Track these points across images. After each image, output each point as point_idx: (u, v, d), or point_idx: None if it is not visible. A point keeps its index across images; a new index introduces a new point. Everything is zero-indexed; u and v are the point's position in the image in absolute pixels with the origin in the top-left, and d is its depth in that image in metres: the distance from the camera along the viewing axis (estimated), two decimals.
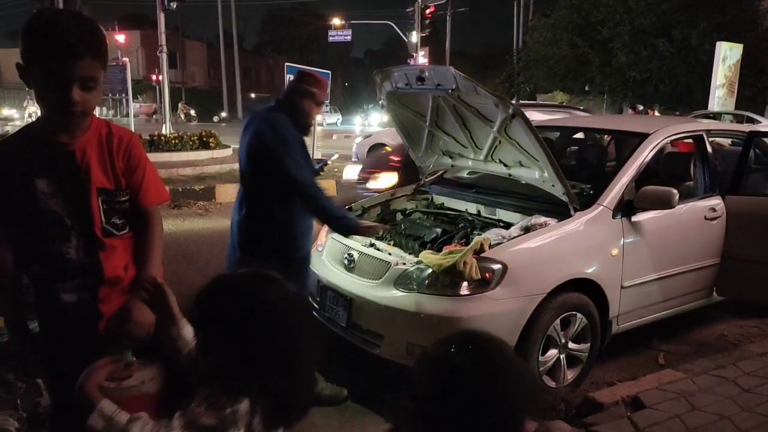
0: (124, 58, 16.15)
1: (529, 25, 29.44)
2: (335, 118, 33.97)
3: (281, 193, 2.83)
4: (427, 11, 21.18)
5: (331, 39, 29.32)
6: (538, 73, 26.46)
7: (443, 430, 0.90)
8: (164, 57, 13.03)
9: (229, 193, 8.64)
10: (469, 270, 2.80)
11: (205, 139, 12.17)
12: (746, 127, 4.97)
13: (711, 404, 2.75)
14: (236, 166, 10.88)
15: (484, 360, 0.93)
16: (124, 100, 15.36)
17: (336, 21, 27.42)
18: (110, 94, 14.88)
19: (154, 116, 31.91)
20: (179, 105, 37.78)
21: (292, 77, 10.82)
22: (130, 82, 13.55)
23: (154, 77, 30.73)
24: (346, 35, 28.55)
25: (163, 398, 1.44)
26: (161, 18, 12.80)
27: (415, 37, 21.26)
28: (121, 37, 28.35)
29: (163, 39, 12.92)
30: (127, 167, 1.76)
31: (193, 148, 11.78)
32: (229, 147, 13.08)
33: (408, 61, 21.25)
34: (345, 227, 3.08)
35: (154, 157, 10.58)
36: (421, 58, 20.51)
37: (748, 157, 3.99)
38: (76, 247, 1.70)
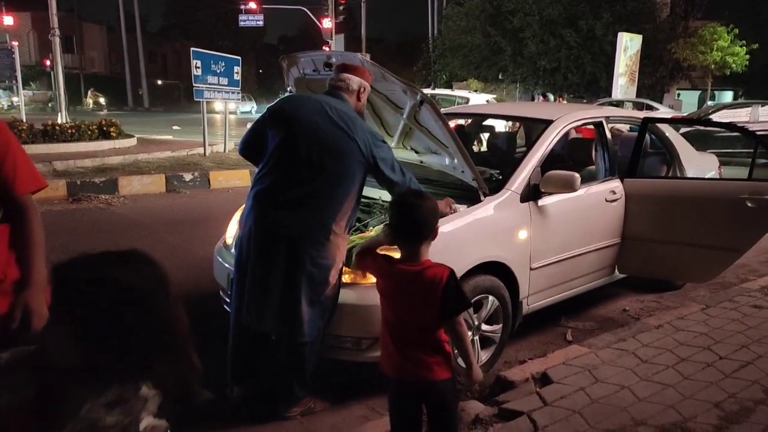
0: (12, 42, 14.90)
1: (443, 13, 29.90)
2: (249, 106, 31.97)
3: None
4: None
5: (241, 24, 28.37)
6: (453, 61, 26.96)
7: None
8: (57, 41, 12.03)
9: (133, 185, 8.14)
10: None
11: (105, 128, 11.32)
12: (642, 114, 5.27)
13: (613, 376, 2.89)
14: (140, 156, 10.30)
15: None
16: (14, 87, 14.13)
17: (248, 5, 26.52)
18: None
19: (49, 104, 29.64)
20: (89, 92, 35.91)
21: (199, 62, 10.13)
22: (19, 67, 12.51)
23: (48, 63, 28.53)
24: (258, 20, 27.72)
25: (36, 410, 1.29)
26: None
27: (329, 23, 20.97)
28: (9, 19, 26.11)
29: (55, 21, 11.93)
30: None
31: (93, 138, 10.94)
32: (133, 137, 12.29)
33: (323, 48, 20.95)
34: None
35: (47, 148, 9.76)
36: (336, 45, 20.25)
37: (643, 141, 4.22)
38: None
